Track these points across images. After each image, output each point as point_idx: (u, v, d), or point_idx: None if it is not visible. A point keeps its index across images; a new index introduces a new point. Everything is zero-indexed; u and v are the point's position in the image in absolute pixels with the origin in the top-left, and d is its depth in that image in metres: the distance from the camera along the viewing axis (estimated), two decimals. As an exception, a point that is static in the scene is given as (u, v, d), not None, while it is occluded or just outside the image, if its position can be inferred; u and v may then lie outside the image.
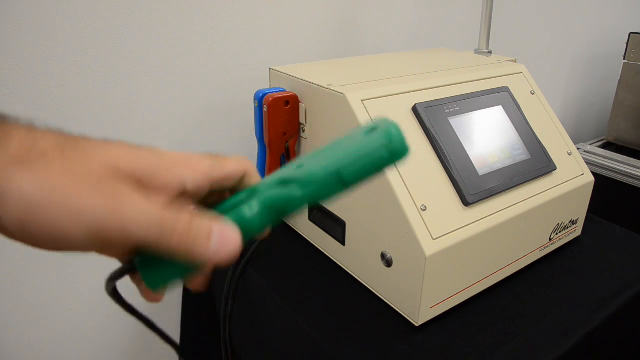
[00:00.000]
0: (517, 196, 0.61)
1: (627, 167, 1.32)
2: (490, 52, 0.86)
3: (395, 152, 0.27)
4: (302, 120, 0.66)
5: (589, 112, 1.74)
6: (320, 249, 0.71)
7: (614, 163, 1.34)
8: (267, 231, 0.31)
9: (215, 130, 0.87)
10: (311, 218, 0.70)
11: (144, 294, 0.29)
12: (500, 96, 0.67)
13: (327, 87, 0.59)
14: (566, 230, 0.70)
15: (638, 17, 1.72)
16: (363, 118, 0.56)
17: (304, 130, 0.67)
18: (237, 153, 0.91)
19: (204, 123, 0.85)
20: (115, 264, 0.30)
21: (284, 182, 0.28)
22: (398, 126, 0.28)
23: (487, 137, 0.62)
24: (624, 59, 1.42)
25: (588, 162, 1.34)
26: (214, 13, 0.80)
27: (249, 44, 0.85)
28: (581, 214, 0.72)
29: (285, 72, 0.69)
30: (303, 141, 0.68)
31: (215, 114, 0.86)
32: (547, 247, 0.68)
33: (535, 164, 0.64)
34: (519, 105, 0.67)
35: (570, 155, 0.69)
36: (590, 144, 1.50)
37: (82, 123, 0.73)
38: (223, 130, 0.88)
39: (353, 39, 0.99)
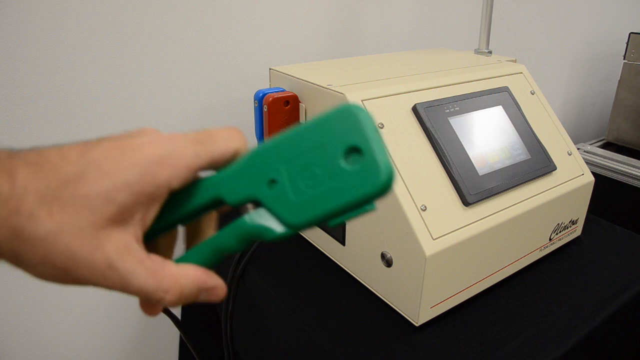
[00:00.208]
0: (517, 196, 0.61)
1: (627, 167, 1.32)
2: (490, 52, 0.86)
3: (385, 184, 0.24)
4: (302, 120, 0.66)
5: (589, 112, 1.74)
6: (320, 249, 0.71)
7: (614, 163, 1.34)
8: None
9: (215, 130, 0.87)
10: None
11: (142, 307, 0.29)
12: (500, 96, 0.67)
13: (327, 87, 0.59)
14: (566, 230, 0.70)
15: (638, 17, 1.72)
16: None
17: (304, 130, 0.67)
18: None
19: (204, 123, 0.85)
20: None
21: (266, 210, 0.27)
22: (383, 147, 0.24)
23: (487, 137, 0.62)
24: (624, 59, 1.41)
25: (588, 162, 1.34)
26: (214, 13, 0.80)
27: (249, 44, 0.85)
28: (581, 214, 0.72)
29: (285, 72, 0.69)
30: (303, 141, 0.68)
31: (215, 114, 0.86)
32: (547, 247, 0.68)
33: (535, 164, 0.64)
34: (519, 105, 0.67)
35: (570, 155, 0.69)
36: (590, 144, 1.50)
37: (82, 123, 0.73)
38: (223, 130, 0.88)
39: (353, 39, 0.99)
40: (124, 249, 0.25)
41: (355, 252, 0.63)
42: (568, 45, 1.52)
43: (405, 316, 0.57)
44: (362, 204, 0.25)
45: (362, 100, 0.57)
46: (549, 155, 0.66)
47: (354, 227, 0.62)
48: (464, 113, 0.62)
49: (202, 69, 0.82)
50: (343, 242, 0.64)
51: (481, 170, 0.58)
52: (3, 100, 0.66)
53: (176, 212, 0.28)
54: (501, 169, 0.60)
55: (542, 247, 0.68)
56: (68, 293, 0.81)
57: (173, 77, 0.80)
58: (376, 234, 0.57)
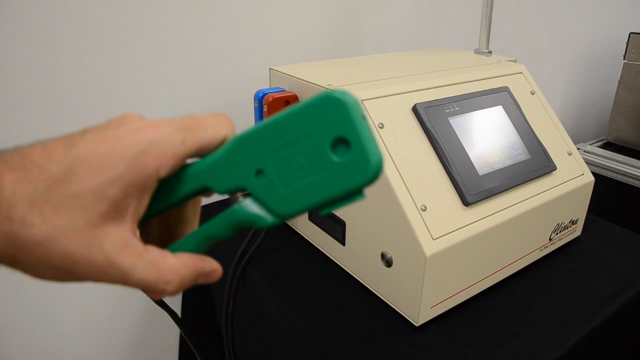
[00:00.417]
0: (517, 196, 0.61)
1: (627, 167, 1.32)
2: (490, 52, 0.86)
3: (374, 177, 0.23)
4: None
5: (589, 112, 1.74)
6: (320, 249, 0.71)
7: (614, 163, 1.34)
8: None
9: (215, 130, 0.87)
10: (311, 218, 0.70)
11: (145, 293, 0.29)
12: (500, 96, 0.67)
13: (327, 87, 0.59)
14: (566, 230, 0.70)
15: (638, 17, 1.72)
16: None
17: (304, 130, 0.67)
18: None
19: (204, 123, 0.85)
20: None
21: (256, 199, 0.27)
22: (371, 136, 0.23)
23: (487, 137, 0.62)
24: (624, 59, 1.42)
25: (588, 162, 1.35)
26: (214, 13, 0.80)
27: (249, 44, 0.85)
28: (581, 214, 0.72)
29: (285, 72, 0.69)
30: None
31: (215, 114, 0.86)
32: (547, 247, 0.68)
33: (535, 164, 0.64)
34: (519, 105, 0.67)
35: (570, 155, 0.69)
36: (590, 144, 1.50)
37: (82, 123, 0.73)
38: (223, 130, 0.88)
39: (353, 39, 0.99)
40: (123, 244, 0.25)
41: (355, 252, 0.63)
42: (568, 45, 1.52)
43: (405, 316, 0.57)
44: (352, 194, 0.24)
45: (362, 100, 0.57)
46: (549, 155, 0.66)
47: (354, 227, 0.62)
48: (464, 113, 0.62)
49: (202, 69, 0.82)
50: (343, 242, 0.64)
51: (481, 170, 0.58)
52: (3, 100, 0.66)
53: (164, 201, 0.28)
54: (501, 169, 0.60)
55: (542, 247, 0.68)
56: (68, 293, 0.81)
57: (173, 77, 0.80)
58: (376, 234, 0.57)
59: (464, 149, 0.59)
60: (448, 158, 0.57)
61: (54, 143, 0.25)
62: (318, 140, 0.24)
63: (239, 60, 0.85)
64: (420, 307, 0.54)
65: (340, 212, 0.64)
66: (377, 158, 0.23)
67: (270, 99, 0.64)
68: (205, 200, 0.34)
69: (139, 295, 0.88)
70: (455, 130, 0.60)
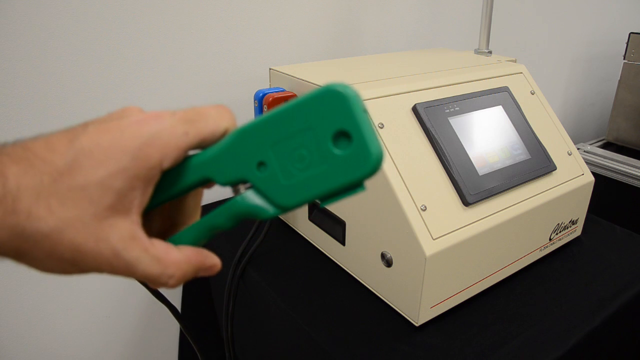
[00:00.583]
0: (517, 196, 0.61)
1: (627, 167, 1.32)
2: (490, 52, 0.86)
3: (375, 169, 0.24)
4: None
5: (589, 112, 1.75)
6: (320, 249, 0.71)
7: (614, 163, 1.34)
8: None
9: (215, 130, 0.87)
10: (311, 218, 0.70)
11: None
12: (500, 96, 0.67)
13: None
14: (566, 230, 0.70)
15: (638, 17, 1.72)
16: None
17: (304, 130, 0.67)
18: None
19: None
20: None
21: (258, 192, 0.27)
22: (372, 129, 0.24)
23: (487, 137, 0.62)
24: (624, 59, 1.42)
25: (588, 162, 1.35)
26: (214, 13, 0.80)
27: (249, 44, 0.85)
28: (581, 214, 0.72)
29: (285, 72, 0.69)
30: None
31: (215, 114, 0.86)
32: (547, 247, 0.68)
33: (535, 164, 0.64)
34: (519, 105, 0.67)
35: (570, 155, 0.69)
36: (590, 144, 1.50)
37: (82, 123, 0.73)
38: (223, 130, 0.88)
39: (353, 39, 0.99)
40: (129, 237, 0.25)
41: (355, 252, 0.63)
42: (568, 45, 1.52)
43: (405, 316, 0.57)
44: (353, 187, 0.25)
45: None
46: (549, 155, 0.66)
47: (354, 227, 0.62)
48: (464, 113, 0.62)
49: (202, 69, 0.82)
50: (343, 242, 0.64)
51: (481, 170, 0.58)
52: (3, 100, 0.66)
53: (166, 192, 0.28)
54: (501, 169, 0.60)
55: (542, 247, 0.68)
56: (68, 293, 0.81)
57: (173, 77, 0.80)
58: (376, 234, 0.57)
59: (464, 149, 0.59)
60: (448, 158, 0.57)
61: (57, 136, 0.25)
62: (320, 133, 0.24)
63: (239, 60, 0.85)
64: (420, 307, 0.54)
65: (340, 212, 0.64)
66: (377, 151, 0.24)
67: (270, 99, 0.64)
68: (205, 201, 0.34)
69: (139, 296, 0.88)
70: (455, 130, 0.60)
